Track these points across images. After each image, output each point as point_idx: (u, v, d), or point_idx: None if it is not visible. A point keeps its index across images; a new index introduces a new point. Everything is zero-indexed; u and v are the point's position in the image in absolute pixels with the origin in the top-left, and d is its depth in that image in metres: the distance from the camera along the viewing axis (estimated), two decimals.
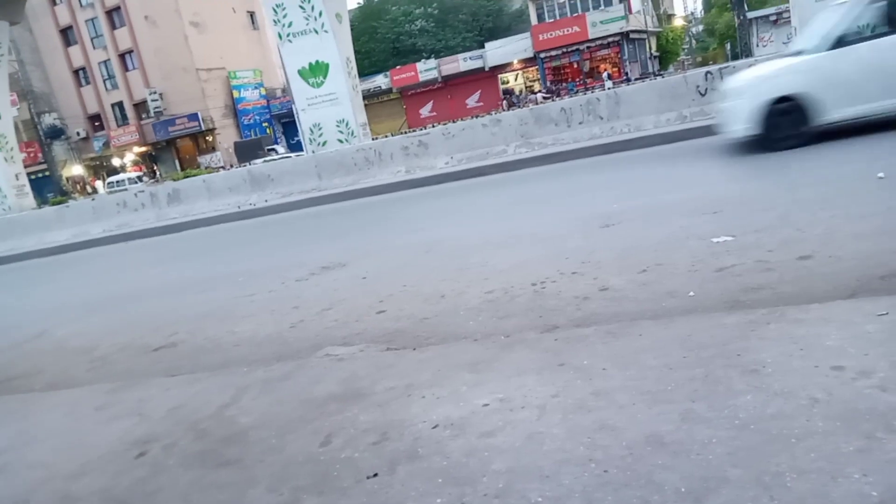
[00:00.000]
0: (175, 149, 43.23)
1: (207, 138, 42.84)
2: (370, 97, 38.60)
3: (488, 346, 2.98)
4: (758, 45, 34.70)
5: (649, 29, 40.99)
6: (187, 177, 20.53)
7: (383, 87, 42.86)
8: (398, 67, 42.46)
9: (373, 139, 16.16)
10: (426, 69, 41.45)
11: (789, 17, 14.87)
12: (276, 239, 9.21)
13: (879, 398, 1.85)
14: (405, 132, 27.88)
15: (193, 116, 41.07)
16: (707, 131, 9.00)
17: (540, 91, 37.21)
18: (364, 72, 36.59)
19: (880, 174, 4.71)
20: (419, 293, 4.31)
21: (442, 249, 5.59)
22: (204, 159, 40.79)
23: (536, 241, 5.14)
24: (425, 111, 42.73)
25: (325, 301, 4.57)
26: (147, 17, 40.22)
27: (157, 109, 41.23)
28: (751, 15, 35.77)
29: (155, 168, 42.16)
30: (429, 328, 3.57)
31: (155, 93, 41.03)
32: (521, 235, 5.44)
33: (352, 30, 17.75)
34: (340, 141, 15.80)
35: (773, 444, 1.75)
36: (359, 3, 46.66)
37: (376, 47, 44.34)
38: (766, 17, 36.08)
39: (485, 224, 6.51)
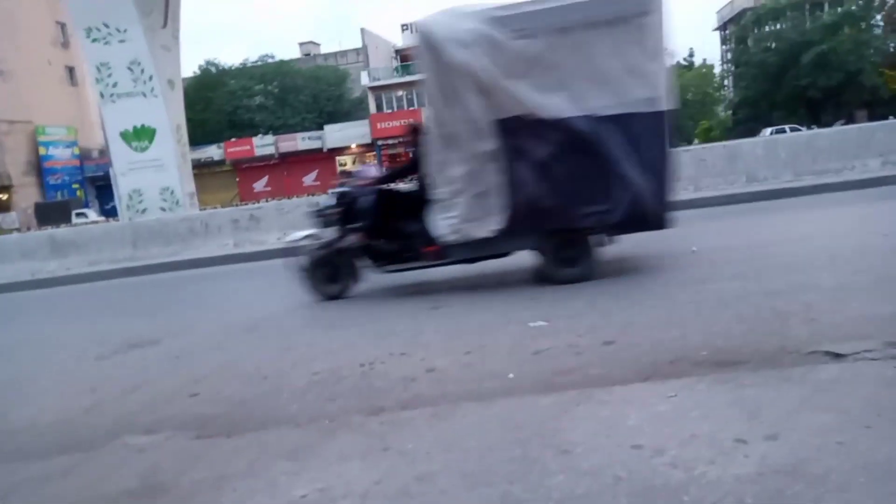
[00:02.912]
0: None
1: (2, 196, 37.88)
2: (201, 167, 37.04)
3: (311, 430, 2.84)
4: None
5: None
6: None
7: (216, 157, 41.46)
8: (233, 140, 41.48)
9: (200, 210, 15.38)
10: (263, 144, 40.97)
11: None
12: (75, 311, 8.20)
13: (671, 475, 2.03)
14: (236, 205, 26.87)
15: None
16: None
17: None
18: (196, 141, 35.19)
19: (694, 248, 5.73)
20: (239, 374, 4.03)
21: (268, 328, 5.34)
22: None
23: (366, 321, 5.10)
24: (259, 185, 41.83)
25: (128, 382, 4.09)
26: None
27: None
28: None
29: None
30: (247, 412, 3.32)
31: None
32: (351, 315, 5.38)
33: (186, 97, 17.12)
34: (164, 209, 14.84)
35: None
36: (195, 73, 45.26)
37: (212, 118, 43.03)
38: None
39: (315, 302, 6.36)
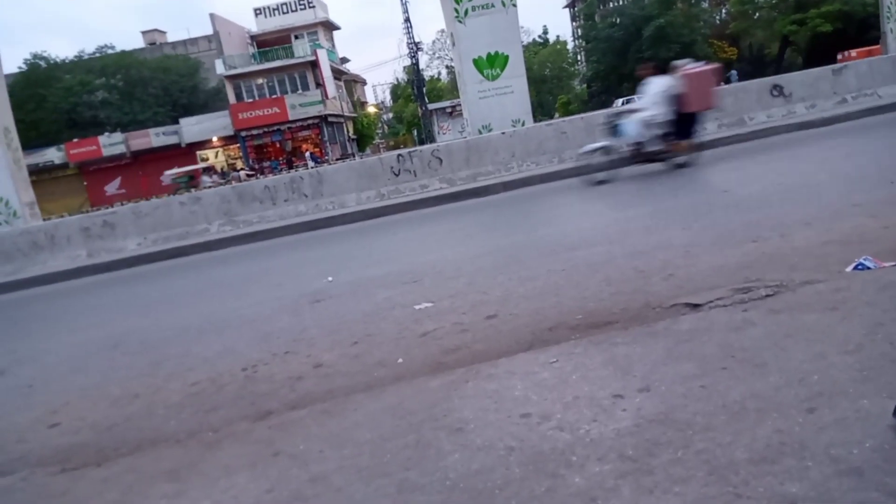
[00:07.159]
0: None
1: None
2: (39, 172, 33.52)
3: (193, 446, 2.67)
4: (439, 133, 39.50)
5: (346, 114, 43.78)
6: None
7: (57, 161, 37.66)
8: (76, 140, 37.79)
9: (43, 220, 13.90)
10: (111, 143, 37.72)
11: (461, 110, 17.23)
12: None
13: (559, 438, 2.11)
14: (86, 211, 24.62)
15: None
16: (401, 208, 9.82)
17: (243, 169, 36.59)
18: (30, 144, 31.69)
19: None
20: (105, 396, 3.70)
21: (134, 342, 4.94)
22: None
23: (245, 322, 4.87)
24: (112, 188, 38.62)
25: None
26: None
27: None
28: (431, 107, 40.72)
29: None
30: (118, 437, 3.06)
31: None
32: (228, 318, 5.11)
33: (11, 97, 15.28)
34: None
35: (480, 498, 1.86)
36: (20, 68, 40.18)
37: (46, 117, 38.73)
38: (444, 109, 41.45)
39: (185, 309, 5.98)
